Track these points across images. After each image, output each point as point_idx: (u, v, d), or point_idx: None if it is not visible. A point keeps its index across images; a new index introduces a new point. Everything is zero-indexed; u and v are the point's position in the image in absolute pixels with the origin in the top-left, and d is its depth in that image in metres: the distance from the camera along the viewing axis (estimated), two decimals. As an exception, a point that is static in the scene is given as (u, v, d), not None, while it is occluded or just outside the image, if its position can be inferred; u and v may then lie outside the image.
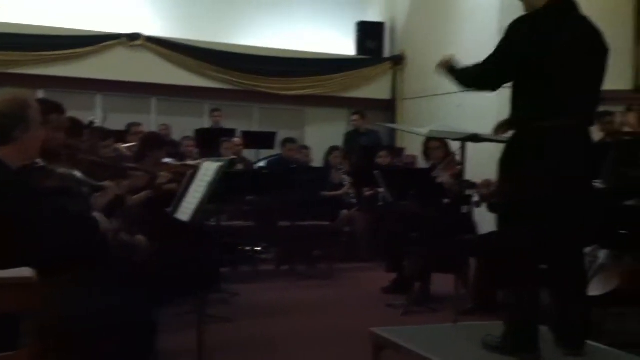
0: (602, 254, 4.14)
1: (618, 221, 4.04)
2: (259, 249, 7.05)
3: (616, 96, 8.00)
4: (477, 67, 3.15)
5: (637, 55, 8.44)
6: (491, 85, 3.17)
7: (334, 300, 5.62)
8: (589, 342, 3.12)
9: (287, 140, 7.93)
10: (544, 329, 3.07)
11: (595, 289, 3.94)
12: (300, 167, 7.89)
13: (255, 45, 9.95)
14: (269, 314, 5.03)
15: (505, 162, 3.07)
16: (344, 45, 10.70)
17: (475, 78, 3.22)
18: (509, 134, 3.23)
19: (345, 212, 7.46)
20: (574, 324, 3.08)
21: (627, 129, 6.81)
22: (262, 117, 10.25)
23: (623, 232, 4.00)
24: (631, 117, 6.87)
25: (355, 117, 9.35)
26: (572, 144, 2.96)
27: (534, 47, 2.93)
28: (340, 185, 7.67)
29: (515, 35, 2.98)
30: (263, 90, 10.00)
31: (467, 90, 3.36)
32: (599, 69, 3.05)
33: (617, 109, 6.99)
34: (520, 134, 3.05)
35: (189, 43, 9.61)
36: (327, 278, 6.55)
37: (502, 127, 3.29)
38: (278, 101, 10.17)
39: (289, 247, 6.73)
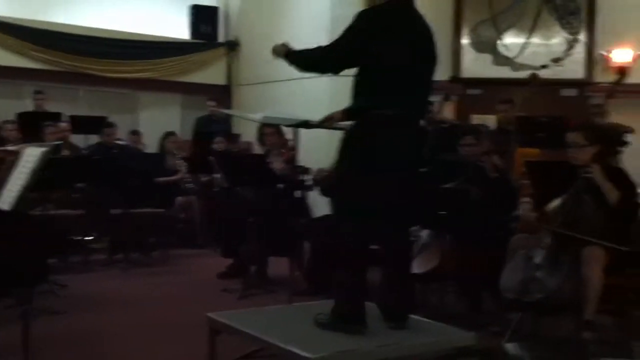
0: (424, 234, 4.45)
1: (438, 203, 4.35)
2: (90, 238, 6.77)
3: (435, 86, 8.57)
4: (320, 50, 3.24)
5: (455, 47, 9.06)
6: (333, 68, 3.27)
7: (169, 288, 5.55)
8: (412, 316, 3.35)
9: (106, 125, 7.66)
10: (371, 305, 3.24)
11: (418, 267, 4.24)
12: (133, 153, 7.66)
13: (83, 25, 9.46)
14: (100, 305, 4.87)
15: (343, 148, 3.19)
16: (178, 28, 10.48)
17: (317, 61, 3.29)
18: (343, 124, 3.37)
19: (181, 198, 7.37)
20: (398, 299, 3.28)
21: (444, 117, 7.32)
22: (91, 101, 9.78)
23: (442, 213, 4.31)
24: (448, 106, 7.39)
25: (212, 102, 9.22)
26: (404, 133, 3.13)
27: (377, 39, 3.07)
28: (177, 172, 7.56)
29: (362, 25, 3.10)
30: (91, 72, 9.53)
31: (305, 72, 3.41)
32: (431, 64, 3.25)
33: (436, 98, 7.47)
34: (359, 123, 3.18)
35: (8, 20, 8.94)
36: (162, 265, 6.45)
37: (331, 118, 3.41)
38: (108, 84, 9.76)
39: (122, 236, 6.53)
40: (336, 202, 3.37)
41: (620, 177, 3.99)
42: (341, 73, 3.27)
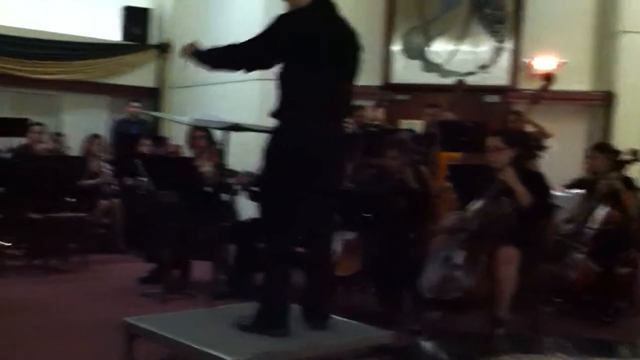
0: (350, 236, 4.47)
1: (362, 205, 4.37)
2: (7, 244, 6.50)
3: (367, 91, 8.64)
4: (234, 47, 3.22)
5: (385, 54, 9.18)
6: (245, 67, 3.25)
7: (88, 293, 5.37)
8: (332, 316, 3.35)
9: (31, 125, 7.38)
10: (293, 307, 3.22)
11: (341, 270, 4.25)
12: (54, 155, 7.42)
13: (9, 25, 9.12)
14: (16, 311, 4.67)
15: (268, 151, 3.17)
16: (109, 30, 10.25)
17: (229, 58, 3.28)
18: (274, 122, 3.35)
19: (104, 202, 7.18)
20: (319, 301, 3.29)
21: (375, 123, 7.39)
22: (14, 103, 9.44)
23: (367, 215, 4.33)
24: (379, 112, 7.47)
25: (135, 104, 9.10)
26: (328, 136, 3.13)
27: (298, 39, 3.06)
28: (101, 175, 7.38)
29: (282, 25, 3.10)
30: (16, 73, 9.19)
31: (215, 71, 3.41)
32: (354, 66, 3.27)
33: (368, 103, 7.53)
34: (283, 124, 3.16)
35: None
36: (82, 271, 6.26)
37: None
38: (32, 86, 9.44)
39: (42, 241, 6.30)
40: (261, 206, 3.33)
41: (537, 182, 4.09)
42: (269, 76, 3.25)
